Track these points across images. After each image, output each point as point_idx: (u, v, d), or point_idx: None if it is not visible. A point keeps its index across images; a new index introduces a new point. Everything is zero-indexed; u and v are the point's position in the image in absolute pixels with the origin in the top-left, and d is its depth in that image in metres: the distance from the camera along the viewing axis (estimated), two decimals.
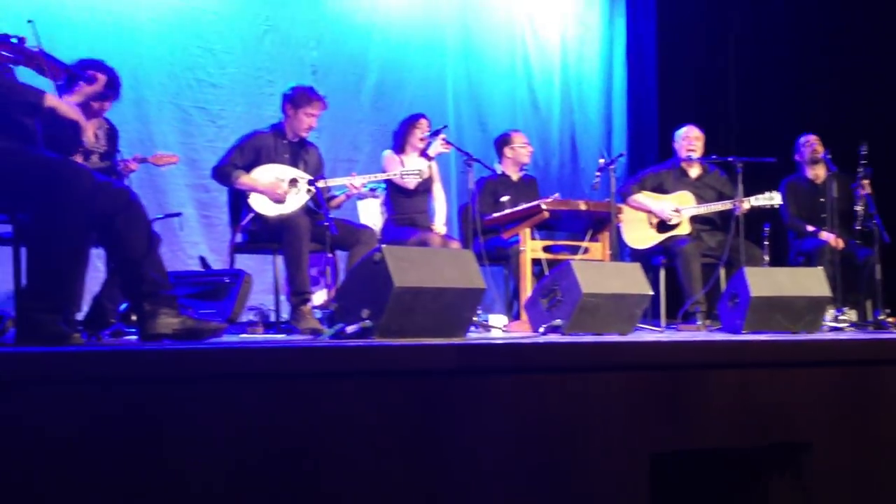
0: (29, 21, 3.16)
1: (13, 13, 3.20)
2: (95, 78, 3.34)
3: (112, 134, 4.53)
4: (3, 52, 3.08)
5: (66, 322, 2.92)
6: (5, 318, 3.60)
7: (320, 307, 4.86)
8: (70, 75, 3.27)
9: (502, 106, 7.49)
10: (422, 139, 5.47)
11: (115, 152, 4.55)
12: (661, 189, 5.79)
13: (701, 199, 5.71)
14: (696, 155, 5.79)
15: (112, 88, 4.19)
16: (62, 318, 2.89)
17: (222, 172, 4.84)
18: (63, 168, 2.97)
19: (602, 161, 5.27)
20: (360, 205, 5.72)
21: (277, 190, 4.77)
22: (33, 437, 1.97)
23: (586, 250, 5.34)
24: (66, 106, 3.08)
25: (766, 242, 5.69)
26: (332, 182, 5.00)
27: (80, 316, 3.66)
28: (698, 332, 4.97)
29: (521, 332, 4.60)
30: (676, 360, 2.82)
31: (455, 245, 5.30)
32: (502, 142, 5.89)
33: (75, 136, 3.14)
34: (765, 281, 4.27)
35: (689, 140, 5.81)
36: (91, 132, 4.38)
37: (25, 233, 3.08)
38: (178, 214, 5.54)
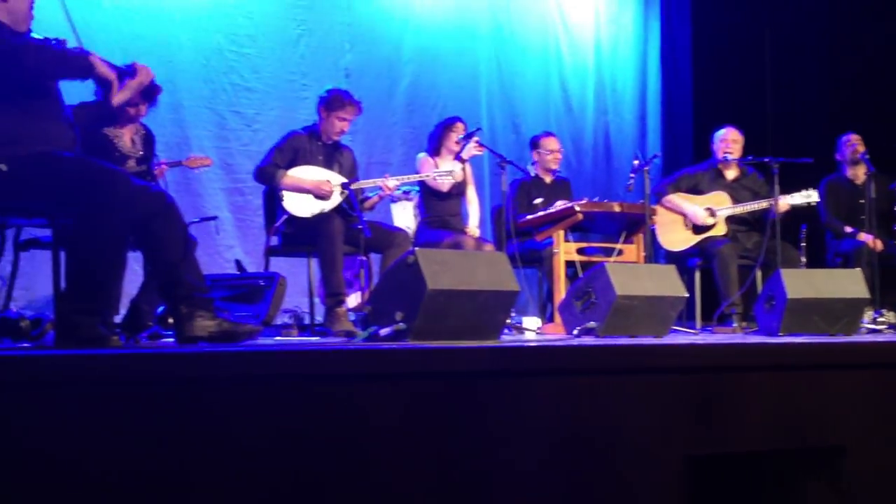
0: None
1: (43, 16, 3.23)
2: (138, 71, 3.40)
3: (149, 139, 4.57)
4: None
5: (105, 325, 2.95)
6: (45, 320, 3.65)
7: (354, 310, 4.88)
8: (118, 75, 3.32)
9: (535, 107, 7.47)
10: (457, 142, 5.47)
11: (153, 157, 4.59)
12: (696, 190, 5.74)
13: (737, 202, 5.66)
14: (733, 157, 5.74)
15: (152, 91, 4.24)
16: (100, 320, 2.92)
17: (266, 173, 4.88)
18: (101, 172, 3.01)
19: (636, 162, 5.24)
20: (394, 207, 5.74)
21: (323, 187, 4.81)
22: (73, 437, 2.00)
23: (620, 252, 5.31)
24: (104, 66, 3.14)
25: (802, 244, 5.63)
26: (364, 184, 5.02)
27: (117, 319, 3.71)
28: (734, 335, 4.93)
29: (554, 334, 4.59)
30: (712, 363, 2.79)
31: (488, 247, 5.30)
32: (533, 144, 5.90)
33: (106, 93, 3.18)
34: (802, 283, 4.22)
35: (727, 142, 5.77)
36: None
37: (64, 237, 3.13)
38: (214, 218, 5.58)
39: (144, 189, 3.17)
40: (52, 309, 3.32)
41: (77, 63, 3.09)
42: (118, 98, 3.59)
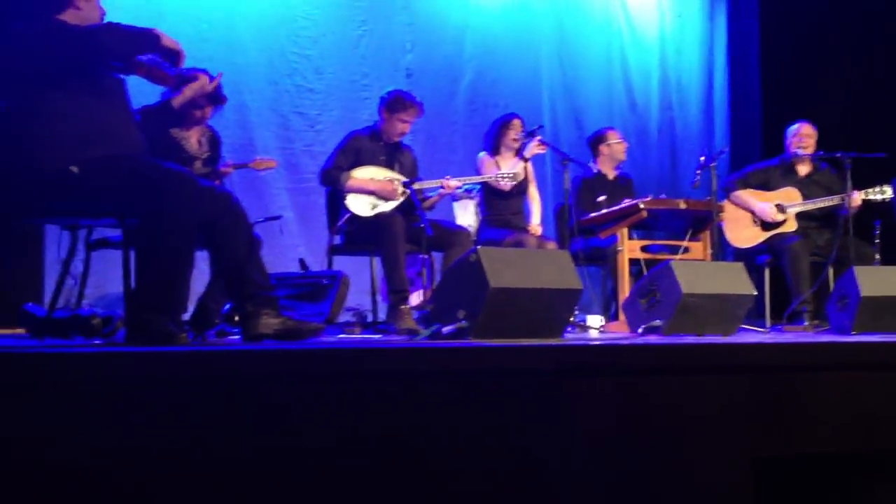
0: None
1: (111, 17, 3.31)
2: (198, 77, 3.45)
3: (215, 140, 4.64)
4: (112, 63, 3.20)
5: (174, 322, 3.00)
6: (116, 318, 3.73)
7: (416, 308, 4.90)
8: (179, 81, 3.38)
9: (598, 103, 7.41)
10: (515, 139, 5.44)
11: (219, 158, 4.66)
12: (765, 186, 5.64)
13: (808, 198, 5.54)
14: (806, 152, 5.63)
15: (217, 99, 4.31)
16: (169, 318, 2.97)
17: (330, 176, 4.92)
18: (168, 174, 3.07)
19: (703, 159, 5.17)
20: (456, 206, 5.74)
21: (387, 187, 4.84)
22: (143, 432, 2.03)
23: (686, 250, 5.23)
24: (169, 38, 3.19)
25: (877, 240, 5.48)
26: (426, 184, 5.03)
27: (186, 316, 3.77)
28: (805, 334, 4.82)
29: (618, 332, 4.55)
30: (782, 363, 2.74)
31: (551, 245, 5.27)
32: (597, 140, 5.83)
33: (175, 63, 3.23)
34: (876, 280, 4.11)
35: (800, 137, 5.67)
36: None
37: (134, 237, 3.19)
38: (278, 217, 5.64)
39: (211, 190, 3.22)
40: (122, 307, 3.39)
41: (144, 36, 3.14)
42: (178, 101, 3.66)
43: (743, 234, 5.55)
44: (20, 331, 4.21)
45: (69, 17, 3.15)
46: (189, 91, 3.53)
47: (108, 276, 5.07)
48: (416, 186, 4.89)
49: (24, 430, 1.95)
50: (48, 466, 1.95)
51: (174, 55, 3.20)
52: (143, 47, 3.17)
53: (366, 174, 4.91)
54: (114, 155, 3.10)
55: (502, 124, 5.52)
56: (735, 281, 3.97)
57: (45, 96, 3.07)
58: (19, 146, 3.07)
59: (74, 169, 3.02)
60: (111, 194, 3.09)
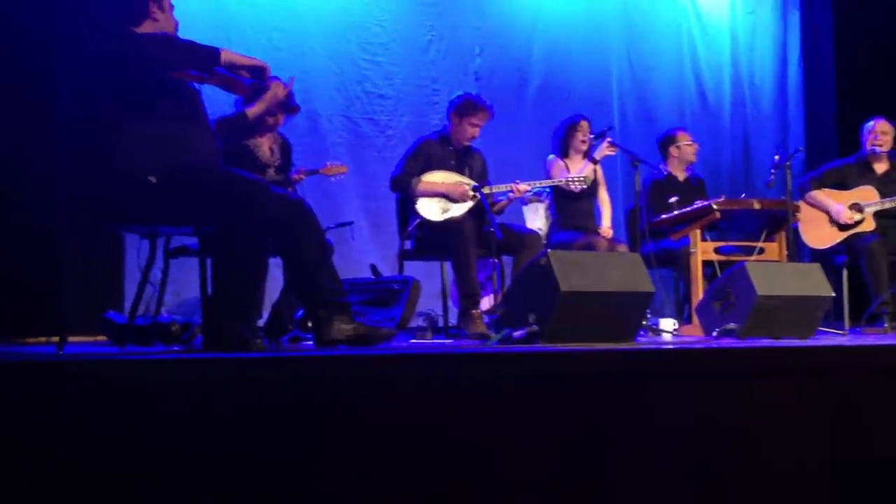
0: None
1: (187, 31, 3.38)
2: (271, 86, 3.52)
3: (286, 148, 4.71)
4: (190, 72, 3.28)
5: (249, 328, 3.06)
6: (194, 324, 3.81)
7: (487, 312, 4.90)
8: (254, 90, 3.46)
9: (669, 103, 7.32)
10: (583, 141, 5.41)
11: (290, 165, 4.73)
12: (842, 185, 5.51)
13: (886, 196, 5.40)
14: (883, 149, 5.50)
15: (290, 108, 4.38)
16: (245, 324, 3.03)
17: (400, 182, 4.95)
18: (242, 183, 3.13)
19: (777, 157, 5.08)
20: (526, 209, 5.73)
21: (458, 189, 4.86)
22: (219, 436, 2.08)
23: (761, 251, 5.14)
24: (241, 56, 3.25)
25: None
26: (496, 188, 5.03)
27: (260, 322, 3.84)
28: (885, 336, 4.70)
29: (692, 336, 4.49)
30: (861, 365, 2.67)
31: (622, 248, 5.22)
32: (667, 141, 5.76)
33: (260, 78, 3.29)
34: None
35: (876, 134, 5.55)
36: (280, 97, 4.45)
37: (210, 245, 3.26)
38: (349, 223, 5.70)
39: (283, 197, 3.28)
40: (200, 313, 3.46)
41: (203, 51, 3.19)
42: (253, 112, 3.74)
43: (819, 234, 5.43)
44: (102, 338, 4.34)
45: (147, 28, 3.24)
46: (264, 103, 3.60)
47: (186, 284, 5.19)
48: (485, 191, 4.89)
49: (105, 433, 2.01)
50: (128, 469, 2.01)
51: (258, 70, 3.27)
52: (192, 61, 3.21)
53: (436, 178, 4.93)
54: (190, 165, 3.17)
55: (569, 126, 5.49)
56: (812, 282, 3.89)
57: (123, 108, 3.15)
58: (99, 157, 3.17)
59: (153, 179, 3.10)
60: (187, 203, 3.16)
